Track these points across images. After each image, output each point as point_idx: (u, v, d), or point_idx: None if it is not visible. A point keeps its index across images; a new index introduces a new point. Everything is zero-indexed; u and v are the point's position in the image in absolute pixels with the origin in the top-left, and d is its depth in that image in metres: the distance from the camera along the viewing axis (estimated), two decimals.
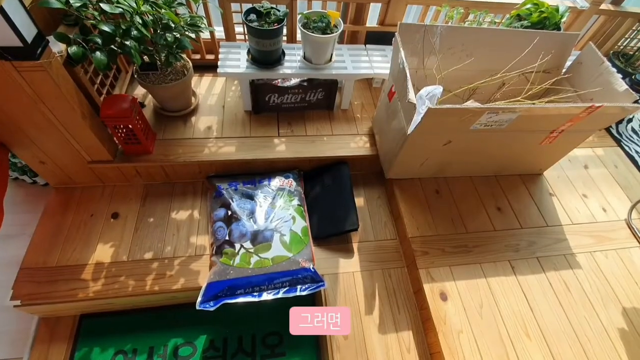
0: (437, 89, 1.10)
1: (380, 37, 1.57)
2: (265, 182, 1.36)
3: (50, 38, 0.96)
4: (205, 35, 1.56)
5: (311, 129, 1.50)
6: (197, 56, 1.61)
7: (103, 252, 1.23)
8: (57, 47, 1.01)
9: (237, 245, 1.18)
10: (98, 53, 0.93)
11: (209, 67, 1.60)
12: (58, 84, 0.97)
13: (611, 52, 1.78)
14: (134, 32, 0.96)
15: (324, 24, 1.30)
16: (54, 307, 1.18)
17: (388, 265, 1.30)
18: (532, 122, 1.10)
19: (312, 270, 1.17)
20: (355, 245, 1.33)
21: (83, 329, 1.25)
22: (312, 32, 1.28)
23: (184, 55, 1.37)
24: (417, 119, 1.02)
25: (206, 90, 1.58)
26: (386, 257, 1.31)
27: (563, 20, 1.38)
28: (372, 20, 1.61)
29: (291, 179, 1.39)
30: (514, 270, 1.20)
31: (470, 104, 1.02)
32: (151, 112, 1.45)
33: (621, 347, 1.09)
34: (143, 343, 1.23)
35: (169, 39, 1.00)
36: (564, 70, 1.37)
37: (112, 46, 0.98)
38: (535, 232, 1.32)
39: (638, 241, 1.33)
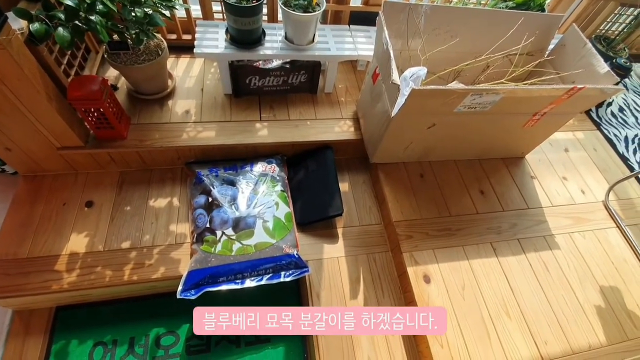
0: (422, 70, 1.08)
1: (364, 18, 1.53)
2: (248, 168, 1.33)
3: (10, 14, 0.89)
4: (181, 13, 1.49)
5: (294, 113, 1.46)
6: (173, 36, 1.53)
7: (77, 242, 1.18)
8: (17, 24, 0.94)
9: (219, 233, 1.15)
10: (60, 29, 0.87)
11: (186, 48, 1.52)
12: (20, 64, 0.91)
13: (593, 35, 1.79)
14: (100, 7, 0.89)
15: (305, 2, 1.25)
16: (27, 299, 1.14)
17: (373, 250, 1.30)
18: (515, 104, 1.10)
19: (296, 256, 1.16)
20: (339, 231, 1.33)
21: (59, 321, 1.21)
22: (293, 11, 1.23)
23: (158, 35, 1.30)
24: (400, 100, 1.00)
25: (183, 72, 1.51)
26: (371, 242, 1.31)
27: (547, 1, 1.37)
28: None
29: (274, 165, 1.36)
30: (495, 252, 1.22)
31: (455, 85, 1.00)
32: (125, 95, 1.38)
33: (597, 323, 1.13)
34: (123, 333, 1.20)
35: (138, 14, 0.94)
36: (547, 53, 1.36)
37: (77, 22, 0.91)
38: (516, 214, 1.34)
39: (614, 222, 1.37)
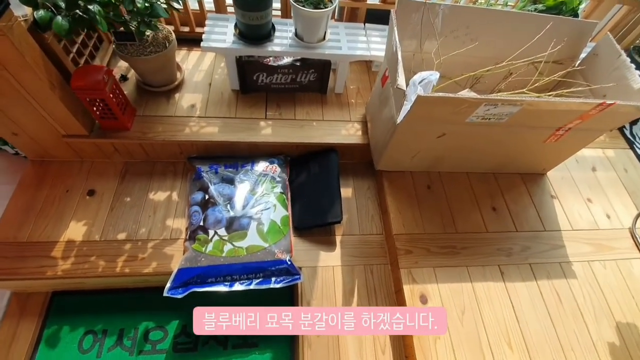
0: (433, 75, 1.00)
1: (381, 16, 1.46)
2: (248, 167, 1.29)
3: (14, 0, 0.89)
4: (194, 5, 1.46)
5: (301, 113, 1.41)
6: (186, 29, 1.52)
7: (75, 230, 1.19)
8: (21, 11, 0.94)
9: (211, 232, 1.12)
10: (59, 18, 0.85)
11: (198, 41, 1.49)
12: (21, 52, 0.91)
13: (632, 46, 1.63)
14: None
15: None
16: (23, 283, 1.15)
17: (371, 261, 1.23)
18: (535, 117, 1.00)
19: (288, 262, 1.12)
20: (338, 238, 1.27)
21: (54, 306, 1.23)
22: (304, 6, 1.17)
23: (167, 26, 1.28)
24: (406, 106, 0.93)
25: (193, 65, 1.49)
26: (370, 253, 1.25)
27: (582, 6, 1.25)
28: None
29: (276, 165, 1.32)
30: (503, 276, 1.13)
31: (466, 93, 0.92)
32: (133, 86, 1.38)
33: None
34: (114, 324, 1.20)
35: (139, 5, 0.91)
36: (577, 62, 1.24)
37: (77, 11, 0.89)
38: (531, 236, 1.23)
39: None
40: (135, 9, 0.92)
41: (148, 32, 1.20)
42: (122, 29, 1.09)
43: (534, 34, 1.13)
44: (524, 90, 1.06)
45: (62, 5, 0.87)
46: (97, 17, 0.87)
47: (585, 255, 1.22)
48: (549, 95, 1.14)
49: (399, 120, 0.98)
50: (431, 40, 1.16)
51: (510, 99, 0.88)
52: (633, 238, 1.27)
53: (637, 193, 1.41)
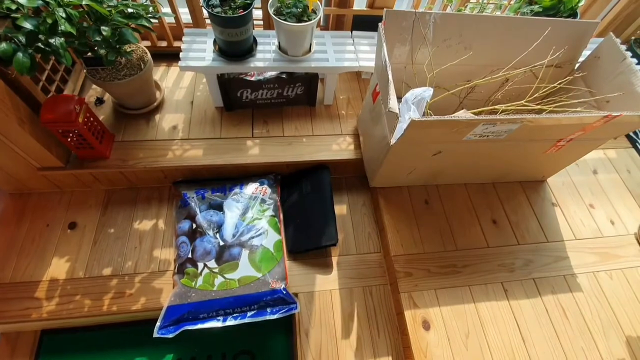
0: (426, 92, 0.95)
1: (369, 23, 1.38)
2: (237, 190, 1.24)
3: None
4: (169, 19, 1.39)
5: (289, 129, 1.35)
6: (164, 43, 1.44)
7: (58, 268, 1.14)
8: None
9: (200, 265, 1.07)
10: (20, 54, 0.79)
11: (177, 56, 1.41)
12: None
13: (632, 38, 1.57)
14: (62, 27, 0.80)
15: (299, 10, 1.12)
16: (9, 326, 1.11)
17: (370, 282, 1.19)
18: (536, 131, 0.95)
19: (284, 291, 1.07)
20: (334, 260, 1.23)
21: (44, 345, 1.18)
22: (286, 20, 1.10)
23: (141, 45, 1.21)
24: (399, 130, 0.88)
25: (174, 83, 1.42)
26: (368, 273, 1.21)
27: (581, 3, 1.19)
28: (360, 2, 1.42)
29: (266, 186, 1.26)
30: (506, 294, 1.09)
31: (462, 114, 0.87)
32: (110, 109, 1.31)
33: None
34: None
35: (104, 33, 0.85)
36: (577, 65, 1.19)
37: (40, 44, 0.83)
38: (533, 249, 1.19)
39: None
40: (100, 38, 0.85)
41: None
42: (90, 54, 1.02)
43: (531, 38, 1.07)
44: (523, 102, 1.01)
45: (22, 40, 0.80)
46: (59, 50, 0.80)
47: (590, 266, 1.18)
48: (548, 102, 1.09)
49: (392, 142, 0.93)
50: (423, 50, 1.09)
51: (509, 118, 0.83)
52: (639, 244, 1.24)
53: None
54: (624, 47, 1.34)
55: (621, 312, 1.10)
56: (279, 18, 1.10)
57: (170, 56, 1.45)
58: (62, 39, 0.82)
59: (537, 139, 1.02)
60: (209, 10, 1.05)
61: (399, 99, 1.02)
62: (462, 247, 1.17)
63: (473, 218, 1.23)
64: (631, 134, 1.54)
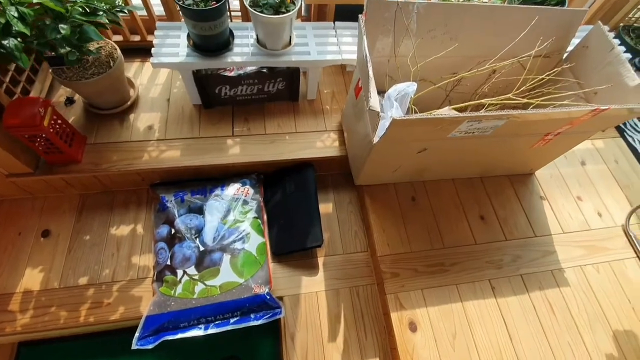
0: (410, 87, 0.91)
1: (353, 12, 1.32)
2: (218, 191, 1.19)
3: None
4: (142, 12, 1.31)
5: (271, 126, 1.30)
6: (137, 37, 1.37)
7: (32, 279, 1.09)
8: None
9: (180, 272, 1.03)
10: None
11: (151, 51, 1.36)
12: None
13: (620, 25, 1.54)
14: (16, 28, 0.74)
15: (277, 1, 1.06)
16: None
17: (357, 282, 1.17)
18: (522, 126, 0.92)
19: (267, 296, 1.04)
20: (320, 260, 1.20)
21: (22, 357, 1.15)
22: (262, 12, 1.04)
23: (110, 41, 1.14)
24: (382, 127, 0.84)
25: (149, 79, 1.35)
26: (355, 273, 1.18)
27: None
28: None
29: (248, 187, 1.22)
30: (494, 291, 1.08)
31: (446, 111, 0.83)
32: (81, 110, 1.24)
33: None
34: None
35: (63, 31, 0.78)
36: (565, 55, 1.15)
37: None
38: (521, 244, 1.18)
39: (634, 250, 1.20)
40: (60, 37, 0.78)
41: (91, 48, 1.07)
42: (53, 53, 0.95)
43: (518, 28, 1.03)
44: (510, 95, 0.97)
45: None
46: (15, 52, 0.73)
47: (578, 260, 1.17)
48: (535, 94, 1.06)
49: (375, 140, 0.89)
50: (407, 42, 1.05)
51: (494, 114, 0.79)
52: (627, 236, 1.23)
53: (629, 186, 1.36)
54: (612, 34, 1.31)
55: (608, 306, 1.10)
56: (255, 10, 1.04)
57: (144, 51, 1.36)
58: (17, 39, 0.75)
59: (524, 134, 0.99)
60: (180, 3, 0.99)
61: (383, 93, 0.98)
62: (450, 245, 1.15)
63: (460, 214, 1.21)
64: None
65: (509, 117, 0.83)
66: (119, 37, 1.35)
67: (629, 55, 1.38)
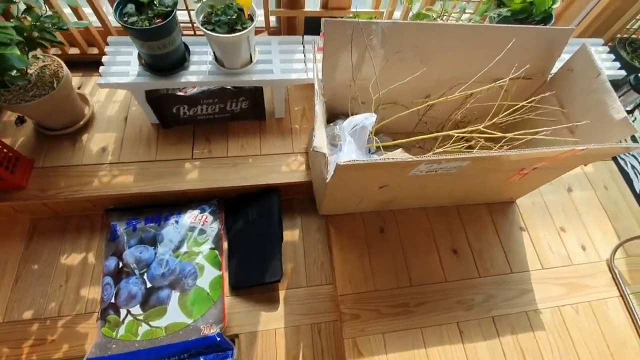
0: (369, 119, 0.83)
1: None
2: (174, 220, 1.12)
3: None
4: (97, 23, 1.22)
5: (234, 147, 1.22)
6: (94, 50, 1.28)
7: None
8: None
9: (123, 312, 0.97)
10: None
11: None
12: None
13: (617, 37, 1.43)
14: None
15: (230, 18, 0.97)
16: None
17: (320, 319, 1.10)
18: (491, 164, 0.83)
19: (218, 337, 0.98)
20: (281, 294, 1.13)
21: None
22: (214, 30, 0.95)
23: (56, 58, 1.06)
24: (330, 170, 0.76)
25: (106, 96, 1.27)
26: (318, 308, 1.11)
27: (555, 5, 1.04)
28: (315, 1, 1.26)
29: (207, 214, 1.15)
30: (461, 336, 1.00)
31: (399, 154, 0.75)
32: (31, 130, 1.17)
33: None
34: None
35: None
36: (550, 77, 1.06)
37: None
38: (496, 281, 1.10)
39: (618, 289, 1.12)
40: None
41: (31, 71, 0.99)
42: None
43: (497, 48, 0.93)
44: (481, 127, 0.88)
45: None
46: None
47: (556, 299, 1.09)
48: (514, 119, 0.96)
49: (327, 179, 0.81)
50: (371, 65, 0.95)
51: (454, 157, 0.71)
52: (611, 272, 1.15)
53: (617, 215, 1.27)
54: (604, 54, 1.21)
55: (584, 350, 1.02)
56: (206, 28, 0.95)
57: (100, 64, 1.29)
58: None
59: (496, 170, 0.90)
60: (120, 22, 0.90)
61: (345, 118, 0.90)
62: (418, 282, 1.07)
63: (432, 247, 1.13)
64: None
65: (473, 159, 0.74)
66: (76, 50, 1.27)
67: (623, 72, 1.27)
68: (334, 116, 1.07)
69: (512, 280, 1.10)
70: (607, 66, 1.29)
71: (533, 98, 0.95)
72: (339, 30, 0.88)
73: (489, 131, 0.87)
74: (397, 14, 1.35)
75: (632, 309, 1.08)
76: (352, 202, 1.03)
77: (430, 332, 1.00)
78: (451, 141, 0.89)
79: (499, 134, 0.86)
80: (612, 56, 1.32)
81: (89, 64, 1.28)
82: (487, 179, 0.96)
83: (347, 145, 0.79)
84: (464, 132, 0.88)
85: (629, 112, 1.46)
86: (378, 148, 0.96)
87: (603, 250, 1.19)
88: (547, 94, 0.94)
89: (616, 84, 1.41)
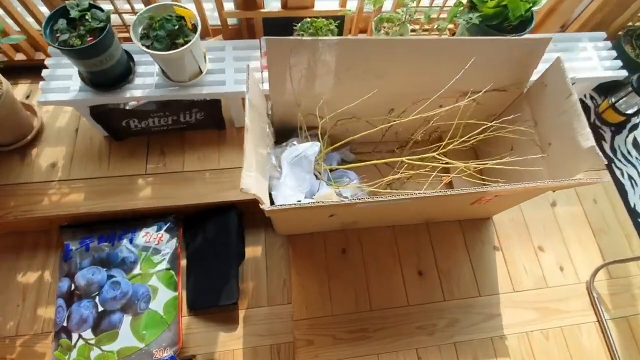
0: (310, 150, 0.84)
1: (284, 26, 1.21)
2: (128, 238, 1.17)
3: None
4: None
5: (191, 160, 1.24)
6: (41, 56, 1.29)
7: None
8: None
9: (75, 335, 1.04)
10: None
11: None
12: None
13: (623, 30, 1.36)
14: None
15: (170, 30, 0.96)
16: None
17: (279, 339, 1.15)
18: (435, 201, 0.84)
19: None
20: (241, 313, 1.18)
21: None
22: (151, 46, 0.95)
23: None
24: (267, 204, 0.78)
25: (55, 106, 1.29)
26: (279, 328, 1.17)
27: (536, 8, 1.00)
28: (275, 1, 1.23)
29: (162, 232, 1.19)
30: None
31: (329, 195, 0.76)
32: None
33: None
34: None
35: None
36: (526, 89, 1.03)
37: None
38: (462, 305, 1.13)
39: (595, 313, 1.14)
40: None
41: None
42: None
43: (462, 61, 0.91)
44: (435, 154, 0.88)
45: None
46: None
47: (525, 325, 1.12)
48: (486, 136, 0.95)
49: (265, 211, 0.83)
50: (319, 83, 0.95)
51: (387, 199, 0.72)
52: (589, 295, 1.16)
53: (604, 230, 1.26)
54: (605, 51, 1.16)
55: None
56: (143, 44, 0.95)
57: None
58: None
59: (452, 201, 0.91)
60: (50, 42, 0.91)
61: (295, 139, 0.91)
62: (378, 307, 1.11)
63: (396, 268, 1.16)
64: (608, 150, 1.39)
65: (412, 199, 0.75)
66: (22, 56, 1.28)
67: (623, 73, 1.22)
68: (289, 132, 1.08)
69: (478, 304, 1.13)
70: (607, 65, 1.24)
71: (504, 118, 0.93)
72: (282, 48, 0.87)
73: (442, 158, 0.87)
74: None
75: (609, 336, 1.10)
76: (307, 226, 1.06)
77: (387, 358, 1.05)
78: (404, 167, 0.89)
79: (452, 164, 0.86)
80: (614, 53, 1.27)
81: (38, 69, 1.29)
82: (448, 206, 0.97)
83: (284, 178, 0.81)
84: (416, 160, 0.88)
85: (633, 114, 1.41)
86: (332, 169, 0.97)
87: (583, 272, 1.20)
88: (517, 115, 0.92)
89: (617, 85, 1.36)
